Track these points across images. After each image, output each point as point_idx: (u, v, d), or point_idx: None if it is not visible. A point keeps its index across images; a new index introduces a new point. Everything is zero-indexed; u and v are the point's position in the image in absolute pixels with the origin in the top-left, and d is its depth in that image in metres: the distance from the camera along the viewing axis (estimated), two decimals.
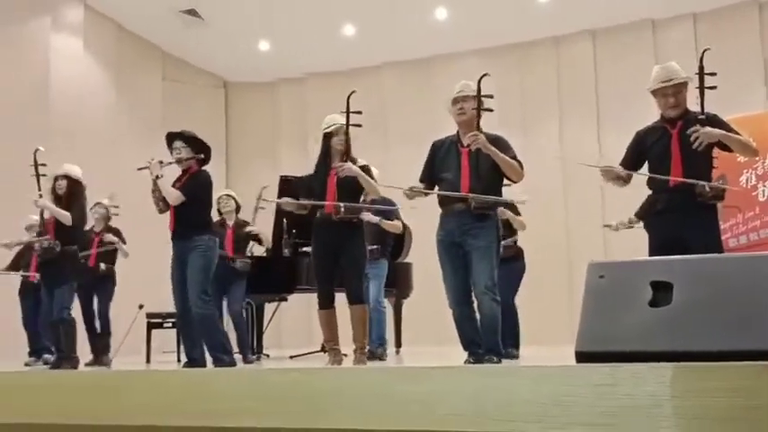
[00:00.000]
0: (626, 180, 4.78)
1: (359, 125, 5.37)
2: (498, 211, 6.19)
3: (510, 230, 6.56)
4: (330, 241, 5.28)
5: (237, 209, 7.63)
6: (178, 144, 5.64)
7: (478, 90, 4.73)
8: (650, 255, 4.46)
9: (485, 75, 4.75)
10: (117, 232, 7.85)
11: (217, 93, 13.85)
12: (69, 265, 6.47)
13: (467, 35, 11.74)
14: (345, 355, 5.49)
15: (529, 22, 11.45)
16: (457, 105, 4.84)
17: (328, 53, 12.48)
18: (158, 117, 12.33)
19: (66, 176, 6.52)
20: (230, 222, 7.48)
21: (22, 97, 10.28)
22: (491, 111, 4.79)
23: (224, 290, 7.26)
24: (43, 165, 6.47)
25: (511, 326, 6.48)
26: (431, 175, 4.97)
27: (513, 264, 6.55)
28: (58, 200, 6.49)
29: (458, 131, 4.93)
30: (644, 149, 4.68)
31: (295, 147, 12.92)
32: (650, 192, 4.73)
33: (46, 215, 6.60)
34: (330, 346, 5.41)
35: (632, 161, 4.74)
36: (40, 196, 6.37)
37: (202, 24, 11.84)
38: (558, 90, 11.87)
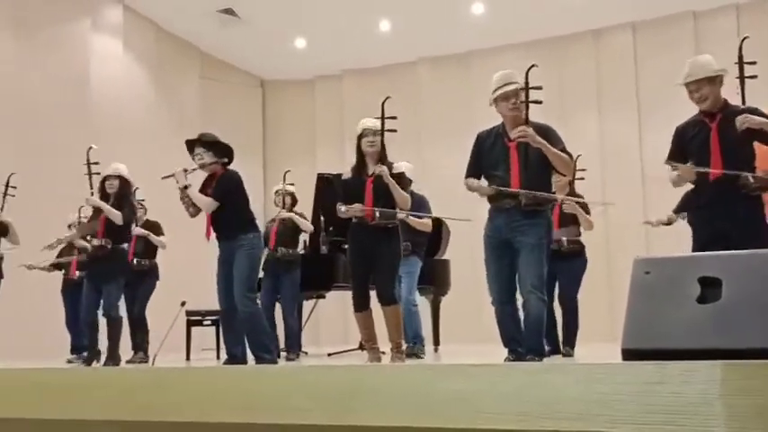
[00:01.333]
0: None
1: (394, 130, 5.36)
2: (568, 206, 6.13)
3: (576, 228, 6.47)
4: (365, 245, 5.31)
5: (293, 202, 7.60)
6: (199, 150, 5.61)
7: (526, 82, 4.63)
8: (695, 250, 4.37)
9: (533, 66, 4.65)
10: (155, 226, 7.91)
11: (254, 91, 13.93)
12: (119, 264, 6.55)
13: (504, 29, 11.66)
14: (384, 353, 5.49)
15: (567, 16, 11.33)
16: (511, 100, 4.61)
17: (365, 49, 12.49)
18: (197, 116, 12.45)
19: (119, 176, 6.60)
20: (281, 215, 7.49)
21: (63, 97, 10.45)
22: (540, 102, 4.68)
23: (276, 286, 7.30)
24: (96, 163, 6.56)
25: (574, 325, 6.39)
26: (478, 170, 4.79)
27: (576, 259, 6.47)
28: (106, 198, 6.56)
29: (502, 123, 4.75)
30: (684, 144, 4.59)
31: (332, 144, 12.96)
32: (691, 187, 4.64)
33: (83, 213, 6.69)
34: (369, 345, 5.43)
35: (676, 157, 4.64)
36: (92, 194, 6.45)
37: (239, 23, 11.92)
38: (598, 84, 11.73)
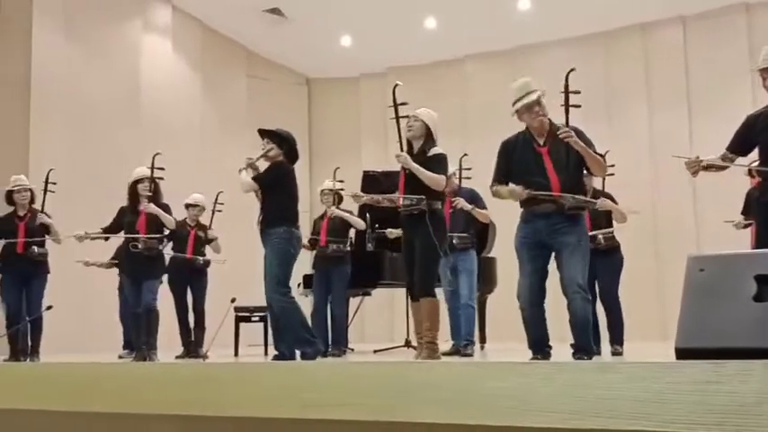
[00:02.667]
0: (719, 168, 4.58)
1: (405, 116, 5.43)
2: (601, 202, 6.05)
3: (608, 223, 6.39)
4: (407, 235, 5.35)
5: (339, 200, 7.62)
6: (264, 141, 5.78)
7: (566, 86, 4.58)
8: (757, 248, 4.25)
9: (572, 70, 4.60)
10: (204, 227, 8.05)
11: (299, 89, 14.03)
12: (159, 261, 6.79)
13: (551, 25, 11.55)
14: (409, 346, 5.46)
15: (615, 10, 11.17)
16: (534, 109, 4.55)
17: (410, 47, 12.48)
18: (244, 114, 12.62)
19: (153, 179, 6.73)
20: (329, 213, 7.51)
21: (114, 96, 10.67)
22: (578, 107, 4.64)
23: (327, 281, 7.33)
24: (161, 168, 6.68)
25: (619, 322, 6.32)
26: (507, 175, 4.75)
27: (613, 256, 6.39)
28: (137, 200, 6.69)
29: (527, 130, 4.69)
30: (753, 134, 4.46)
31: (377, 141, 12.98)
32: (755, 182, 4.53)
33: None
34: (418, 339, 5.41)
35: (738, 145, 4.52)
36: (149, 199, 6.59)
37: (285, 22, 12.01)
38: (647, 79, 11.53)
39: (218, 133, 12.26)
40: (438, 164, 5.29)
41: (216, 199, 8.11)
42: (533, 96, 4.56)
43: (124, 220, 6.75)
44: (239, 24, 12.38)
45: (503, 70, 12.35)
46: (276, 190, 5.59)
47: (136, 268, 6.64)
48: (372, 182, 7.64)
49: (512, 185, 4.63)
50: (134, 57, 11.11)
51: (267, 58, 13.45)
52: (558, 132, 4.51)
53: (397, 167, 5.56)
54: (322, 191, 7.66)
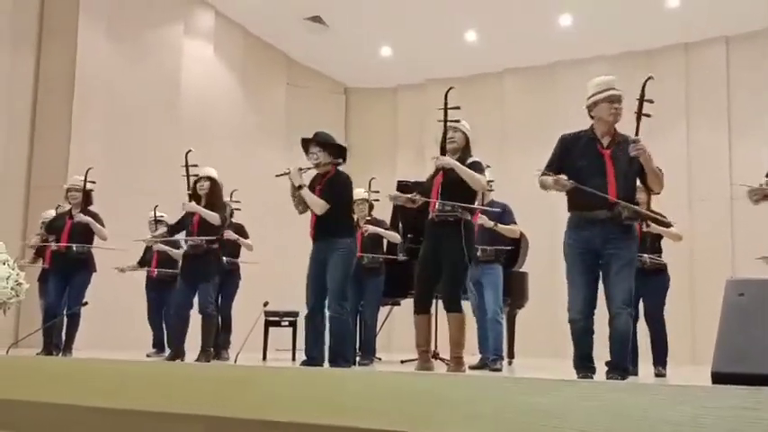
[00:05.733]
0: None
1: (456, 121, 5.34)
2: (652, 227, 6.00)
3: (655, 245, 6.34)
4: (432, 243, 5.21)
5: (371, 209, 7.63)
6: (315, 149, 5.63)
7: (642, 94, 4.52)
8: None
9: (650, 77, 4.55)
10: (238, 228, 8.09)
11: (337, 98, 14.09)
12: (214, 263, 6.62)
13: (592, 41, 11.48)
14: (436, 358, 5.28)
15: (657, 28, 11.07)
16: (614, 104, 4.49)
17: (449, 59, 12.47)
18: (283, 120, 12.73)
19: (209, 178, 6.71)
20: (362, 223, 7.50)
21: (155, 98, 10.84)
22: (649, 116, 4.57)
23: (361, 291, 7.33)
24: (194, 165, 6.72)
25: (663, 343, 6.25)
26: (558, 170, 4.56)
27: (660, 276, 6.34)
28: (197, 199, 6.68)
29: (592, 128, 4.57)
30: None
31: (414, 152, 12.99)
32: None
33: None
34: (420, 350, 5.26)
35: None
36: (190, 196, 6.60)
37: (326, 31, 12.08)
38: (687, 98, 11.40)
39: (256, 138, 12.37)
40: (477, 171, 5.25)
41: (231, 197, 8.12)
42: (618, 92, 4.51)
43: (187, 220, 6.74)
44: (280, 31, 12.49)
45: (541, 86, 12.31)
46: (341, 201, 5.55)
47: (190, 270, 6.54)
48: (406, 191, 7.60)
49: (559, 176, 4.47)
50: (176, 60, 11.26)
51: (307, 66, 13.54)
52: (630, 141, 4.37)
53: None
54: (355, 201, 7.62)
